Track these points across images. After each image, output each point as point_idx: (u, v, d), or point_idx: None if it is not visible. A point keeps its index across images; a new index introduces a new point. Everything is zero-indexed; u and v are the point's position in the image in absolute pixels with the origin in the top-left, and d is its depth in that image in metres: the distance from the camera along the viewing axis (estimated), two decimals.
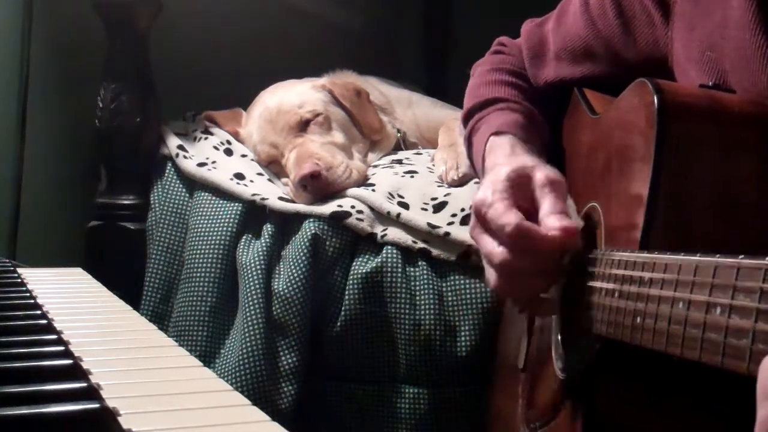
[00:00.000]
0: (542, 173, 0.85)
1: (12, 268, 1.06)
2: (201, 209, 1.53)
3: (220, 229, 1.49)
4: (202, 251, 1.49)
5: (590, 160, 0.89)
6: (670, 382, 0.66)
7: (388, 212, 1.44)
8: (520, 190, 0.85)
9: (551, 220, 0.80)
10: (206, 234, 1.50)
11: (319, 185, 1.48)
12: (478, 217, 0.86)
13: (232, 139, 1.68)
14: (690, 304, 0.52)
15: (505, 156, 0.93)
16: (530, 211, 0.83)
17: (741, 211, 0.69)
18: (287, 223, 1.48)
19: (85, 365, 0.59)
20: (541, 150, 0.99)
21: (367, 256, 1.42)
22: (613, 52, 0.96)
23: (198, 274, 1.48)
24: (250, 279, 1.42)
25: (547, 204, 0.82)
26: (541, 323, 0.97)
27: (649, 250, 0.65)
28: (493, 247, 0.84)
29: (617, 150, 0.81)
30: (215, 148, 1.63)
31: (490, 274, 0.87)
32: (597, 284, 0.73)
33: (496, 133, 0.99)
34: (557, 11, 1.07)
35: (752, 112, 0.73)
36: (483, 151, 1.00)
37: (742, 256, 0.47)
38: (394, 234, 1.42)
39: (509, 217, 0.81)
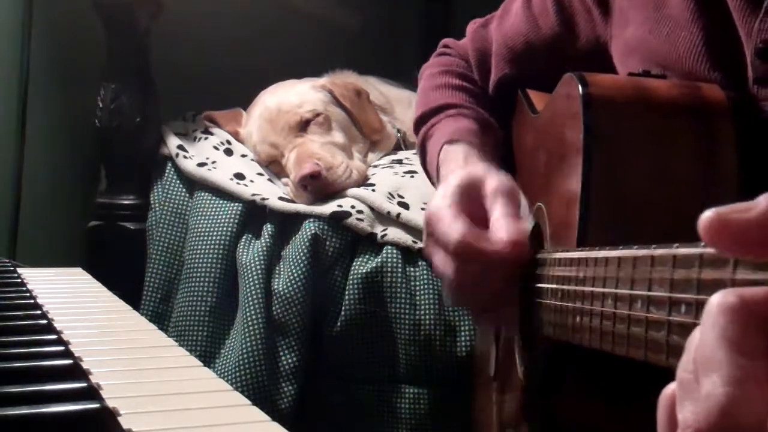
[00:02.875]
0: (494, 181, 0.82)
1: (12, 268, 1.06)
2: (201, 209, 1.53)
3: (220, 229, 1.49)
4: (202, 251, 1.49)
5: (534, 159, 0.89)
6: (626, 382, 0.66)
7: (388, 212, 1.44)
8: (471, 199, 0.82)
9: (499, 229, 0.77)
10: (206, 234, 1.50)
11: (319, 185, 1.48)
12: (428, 230, 0.84)
13: (232, 139, 1.68)
14: (617, 299, 0.52)
15: (458, 166, 0.91)
16: (481, 219, 0.81)
17: (675, 199, 0.68)
18: (287, 223, 1.48)
19: (85, 365, 0.59)
20: (493, 155, 0.96)
21: (367, 256, 1.42)
22: (555, 50, 0.96)
23: (198, 274, 1.48)
24: (250, 279, 1.42)
25: (497, 210, 0.79)
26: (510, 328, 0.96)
27: (585, 246, 0.64)
28: (443, 261, 0.81)
29: (554, 147, 0.80)
30: (215, 148, 1.63)
31: (444, 288, 0.84)
32: (542, 285, 0.72)
33: (450, 142, 0.97)
34: (500, 11, 1.06)
35: (680, 95, 0.72)
36: (437, 160, 0.98)
37: (655, 245, 0.46)
38: (394, 234, 1.42)
39: (455, 229, 0.79)
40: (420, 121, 1.07)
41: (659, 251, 0.44)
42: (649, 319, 0.46)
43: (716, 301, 0.32)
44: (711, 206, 0.33)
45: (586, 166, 0.69)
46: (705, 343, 0.32)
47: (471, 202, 0.81)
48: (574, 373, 0.71)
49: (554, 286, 0.68)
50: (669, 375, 0.40)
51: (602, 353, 0.57)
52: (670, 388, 0.36)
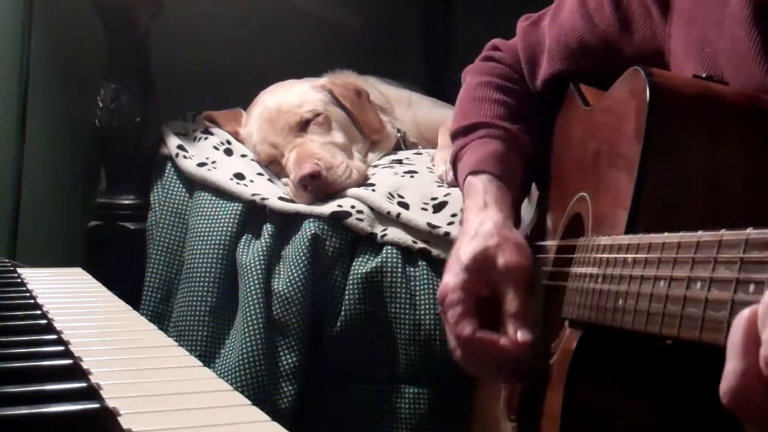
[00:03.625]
0: (503, 260, 0.89)
1: (12, 268, 1.06)
2: (201, 209, 1.53)
3: (220, 229, 1.49)
4: (202, 251, 1.49)
5: (582, 151, 0.90)
6: (650, 370, 0.66)
7: (388, 212, 1.44)
8: (482, 274, 0.90)
9: (509, 327, 0.85)
10: (206, 234, 1.50)
11: (319, 185, 1.48)
12: (443, 309, 0.92)
13: (232, 139, 1.68)
14: (671, 281, 0.53)
15: (476, 209, 0.98)
16: (491, 293, 0.89)
17: (727, 200, 0.69)
18: (287, 223, 1.48)
19: (85, 365, 0.59)
20: (520, 176, 1.04)
21: (367, 256, 1.42)
22: (609, 47, 0.96)
23: (198, 274, 1.47)
24: (250, 279, 1.42)
25: (507, 300, 0.87)
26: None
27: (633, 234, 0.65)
28: (453, 343, 0.91)
29: (609, 138, 0.81)
30: (215, 148, 1.63)
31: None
32: (581, 270, 0.73)
33: (473, 173, 1.03)
34: (553, 6, 1.07)
35: (744, 102, 0.73)
36: (462, 187, 1.06)
37: (724, 230, 0.47)
38: (394, 234, 1.42)
39: (464, 328, 0.88)
40: (454, 136, 1.12)
41: (728, 235, 0.46)
42: (709, 299, 0.47)
43: None
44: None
45: (644, 159, 0.69)
46: None
47: (481, 278, 0.90)
48: (598, 356, 0.72)
49: (595, 270, 0.69)
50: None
51: (629, 342, 0.57)
52: (747, 311, 0.38)
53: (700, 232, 0.50)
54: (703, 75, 0.77)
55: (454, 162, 1.11)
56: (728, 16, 0.77)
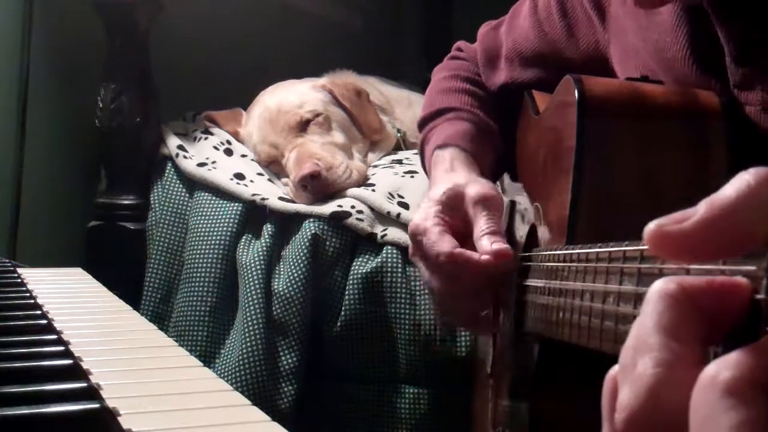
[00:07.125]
0: (473, 190, 0.85)
1: (12, 268, 1.06)
2: (201, 209, 1.53)
3: (220, 229, 1.49)
4: (202, 251, 1.49)
5: (534, 160, 0.90)
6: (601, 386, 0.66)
7: (388, 212, 1.44)
8: (454, 209, 0.86)
9: (484, 242, 0.81)
10: (206, 234, 1.50)
11: (319, 185, 1.48)
12: (414, 243, 0.88)
13: (232, 139, 1.68)
14: (593, 294, 0.52)
15: (443, 172, 0.94)
16: (465, 229, 0.85)
17: (663, 200, 0.69)
18: (287, 223, 1.48)
19: (85, 365, 0.59)
20: (486, 159, 1.00)
21: (367, 256, 1.42)
22: (559, 55, 0.97)
23: (198, 274, 1.48)
24: (250, 279, 1.42)
25: (480, 223, 0.82)
26: (503, 327, 0.97)
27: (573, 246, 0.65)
28: (429, 274, 0.86)
29: (551, 148, 0.81)
30: (215, 148, 1.64)
31: (431, 298, 0.89)
32: (531, 282, 0.73)
33: (440, 146, 1.00)
34: (510, 14, 1.07)
35: (676, 101, 0.72)
36: (430, 164, 1.01)
37: (627, 242, 0.46)
38: (394, 234, 1.42)
39: (442, 246, 0.83)
40: (421, 124, 1.09)
41: (630, 247, 0.45)
42: (619, 313, 0.46)
43: (656, 287, 0.32)
44: None
45: (578, 168, 0.70)
46: (642, 327, 0.32)
47: (454, 213, 0.86)
48: (558, 368, 0.71)
49: (541, 282, 0.68)
50: None
51: (582, 354, 0.57)
52: (615, 370, 0.36)
53: (611, 244, 0.49)
54: (639, 75, 0.77)
55: (422, 146, 1.08)
56: (655, 22, 0.78)
